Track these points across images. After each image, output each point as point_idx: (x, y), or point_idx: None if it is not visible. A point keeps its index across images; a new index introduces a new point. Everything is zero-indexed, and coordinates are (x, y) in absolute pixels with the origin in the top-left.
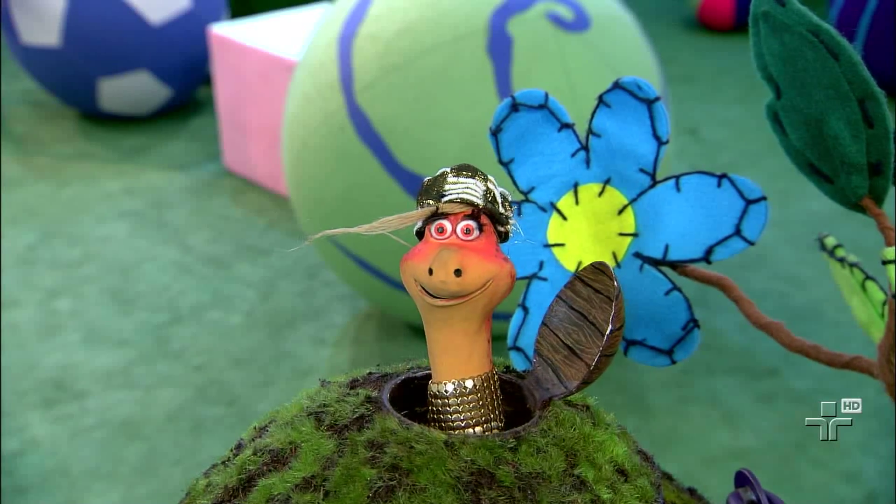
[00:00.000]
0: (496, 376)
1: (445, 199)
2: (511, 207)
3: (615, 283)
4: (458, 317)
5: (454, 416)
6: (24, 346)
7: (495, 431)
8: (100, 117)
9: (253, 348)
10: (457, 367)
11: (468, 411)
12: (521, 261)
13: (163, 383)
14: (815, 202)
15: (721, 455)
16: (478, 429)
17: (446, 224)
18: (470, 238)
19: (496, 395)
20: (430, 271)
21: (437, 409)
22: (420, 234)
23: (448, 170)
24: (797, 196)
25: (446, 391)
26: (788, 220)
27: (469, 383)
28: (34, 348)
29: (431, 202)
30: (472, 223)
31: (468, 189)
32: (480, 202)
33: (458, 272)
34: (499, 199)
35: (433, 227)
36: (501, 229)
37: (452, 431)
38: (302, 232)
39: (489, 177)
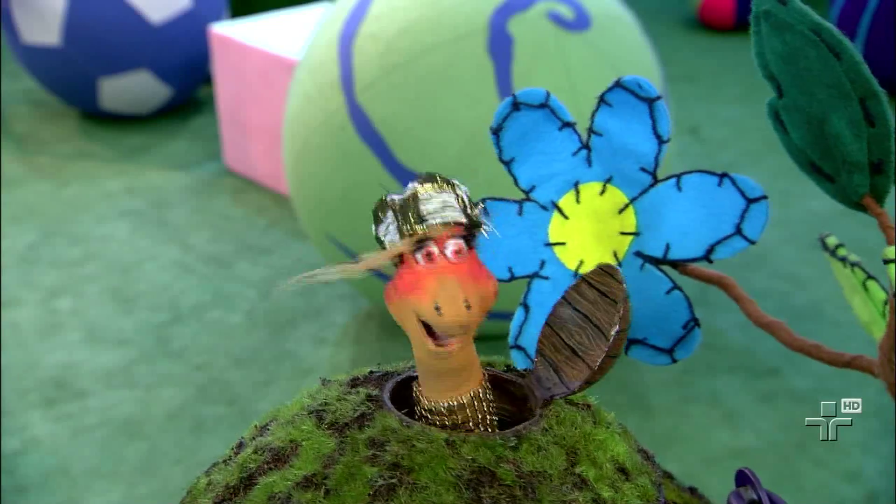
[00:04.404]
0: (487, 383)
1: (428, 222)
2: (476, 205)
3: (622, 285)
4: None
5: (450, 425)
6: (25, 346)
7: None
8: (100, 117)
9: (254, 347)
10: (453, 388)
11: (463, 420)
12: (522, 259)
13: (163, 382)
14: (816, 202)
15: (722, 454)
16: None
17: (434, 249)
18: (460, 259)
19: (489, 400)
20: (437, 307)
21: (432, 422)
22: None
23: (416, 186)
24: (798, 195)
25: (442, 408)
26: (790, 219)
27: (465, 398)
28: (35, 347)
29: (411, 228)
30: (461, 243)
31: (446, 206)
32: (463, 219)
33: (466, 304)
34: (467, 203)
35: (420, 255)
36: (477, 233)
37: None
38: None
39: (453, 181)
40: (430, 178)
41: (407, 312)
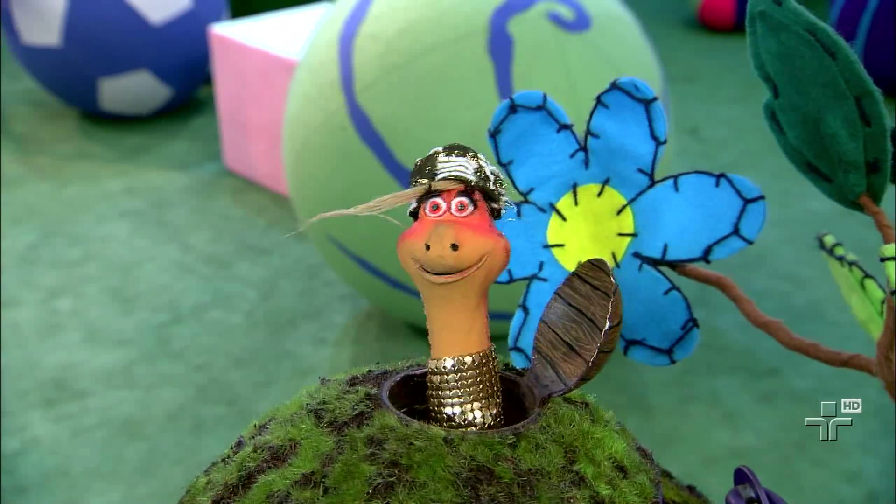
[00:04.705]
0: (495, 355)
1: (438, 177)
2: (503, 184)
3: (612, 279)
4: (457, 293)
5: (452, 391)
6: (25, 346)
7: (494, 411)
8: (100, 117)
9: (254, 348)
10: (456, 343)
11: (467, 388)
12: (520, 261)
13: (163, 383)
14: (815, 202)
15: (722, 455)
16: (476, 404)
17: (440, 201)
18: (464, 214)
19: (494, 374)
20: (427, 247)
21: (436, 386)
22: (415, 215)
23: (439, 149)
24: (798, 196)
25: (445, 367)
26: (789, 219)
27: (468, 359)
28: (35, 348)
29: (424, 181)
30: (465, 199)
31: (460, 167)
32: (472, 179)
33: (454, 247)
34: (490, 177)
35: (427, 205)
36: (494, 206)
37: (451, 408)
38: (302, 231)
39: (480, 155)
40: (456, 146)
41: (406, 255)
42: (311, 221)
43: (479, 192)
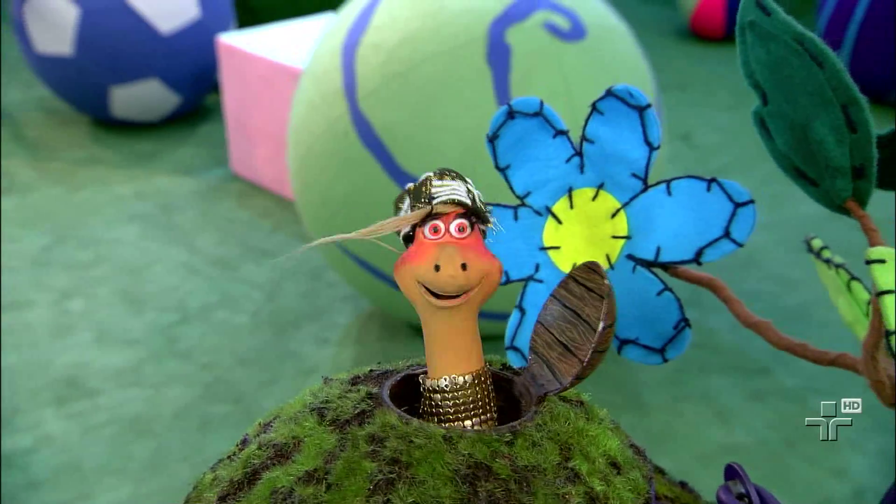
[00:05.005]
0: (489, 372)
1: (437, 200)
2: (486, 205)
3: (606, 281)
4: (459, 316)
5: (447, 409)
6: (38, 346)
7: (489, 423)
8: (111, 123)
9: (258, 347)
10: (455, 364)
11: (461, 405)
12: (517, 263)
13: (171, 382)
14: (805, 205)
15: (714, 452)
16: (468, 423)
17: (440, 224)
18: (464, 236)
19: (489, 390)
20: (437, 268)
21: (435, 404)
22: (407, 239)
23: (431, 174)
24: (788, 199)
25: (441, 386)
26: (779, 222)
27: (461, 380)
28: (47, 347)
29: (421, 205)
30: (464, 221)
31: (456, 191)
32: (469, 202)
33: (463, 266)
34: (476, 195)
35: (427, 228)
36: (483, 227)
37: (446, 426)
38: (307, 234)
39: (467, 179)
40: (445, 170)
41: (410, 279)
42: (305, 248)
43: (474, 214)
